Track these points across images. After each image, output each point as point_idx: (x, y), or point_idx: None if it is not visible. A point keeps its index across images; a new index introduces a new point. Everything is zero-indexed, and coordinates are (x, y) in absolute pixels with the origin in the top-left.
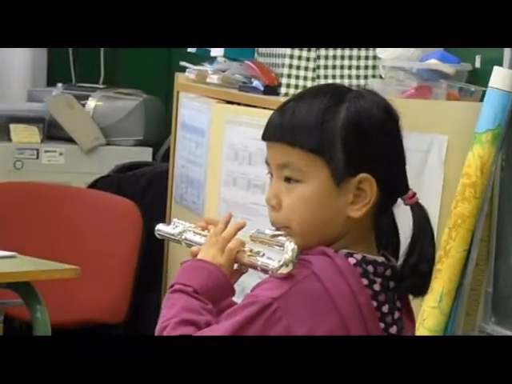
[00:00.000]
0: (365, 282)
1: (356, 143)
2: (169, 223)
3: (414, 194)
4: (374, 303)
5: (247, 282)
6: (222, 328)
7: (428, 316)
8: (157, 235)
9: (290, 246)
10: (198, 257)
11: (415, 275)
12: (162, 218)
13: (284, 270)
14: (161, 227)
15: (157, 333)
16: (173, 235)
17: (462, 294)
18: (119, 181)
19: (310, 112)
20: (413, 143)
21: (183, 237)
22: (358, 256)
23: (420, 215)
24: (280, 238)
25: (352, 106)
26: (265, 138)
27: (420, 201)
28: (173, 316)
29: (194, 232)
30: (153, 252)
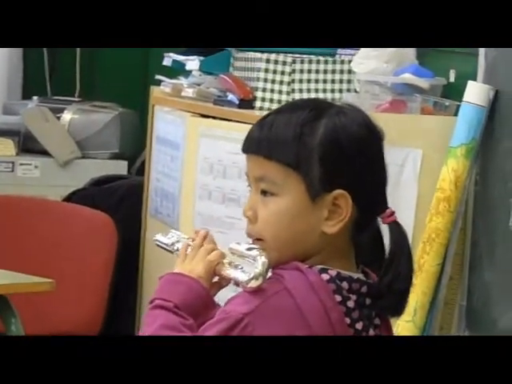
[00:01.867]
0: (338, 298)
1: (333, 160)
2: (167, 234)
3: (393, 213)
4: (348, 320)
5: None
6: None
7: (402, 330)
8: (156, 244)
9: (261, 260)
10: (176, 270)
11: (390, 294)
12: (137, 231)
13: (254, 284)
14: (158, 237)
15: None
16: (166, 245)
17: (435, 307)
18: (94, 194)
19: (287, 126)
20: (387, 157)
21: (175, 247)
22: (333, 272)
23: (397, 234)
24: (253, 251)
25: (331, 122)
26: (244, 150)
27: (397, 218)
28: (152, 334)
29: (187, 243)
30: (128, 265)
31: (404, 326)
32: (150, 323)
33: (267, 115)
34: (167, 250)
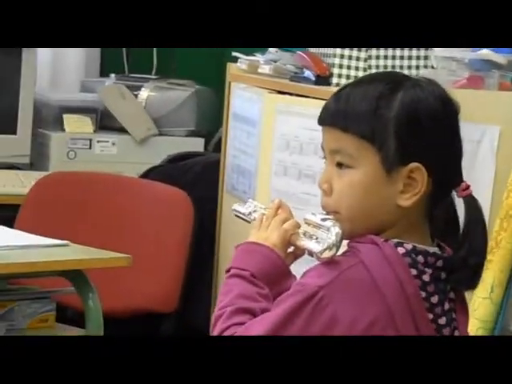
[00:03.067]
0: (413, 271)
1: (409, 132)
2: (244, 204)
3: (468, 187)
4: (423, 294)
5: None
6: (270, 317)
7: (479, 306)
8: (234, 214)
9: (335, 231)
10: (250, 239)
11: (465, 268)
12: (214, 207)
13: (327, 254)
14: (235, 207)
15: (213, 321)
16: (243, 214)
17: None
18: (171, 171)
19: (363, 98)
20: (464, 133)
21: (252, 217)
22: (408, 246)
23: (473, 208)
24: (327, 222)
25: (407, 95)
26: (320, 122)
27: (472, 191)
28: (228, 304)
29: (263, 213)
30: (204, 242)
31: (481, 302)
32: (227, 292)
33: (343, 87)
34: (244, 220)
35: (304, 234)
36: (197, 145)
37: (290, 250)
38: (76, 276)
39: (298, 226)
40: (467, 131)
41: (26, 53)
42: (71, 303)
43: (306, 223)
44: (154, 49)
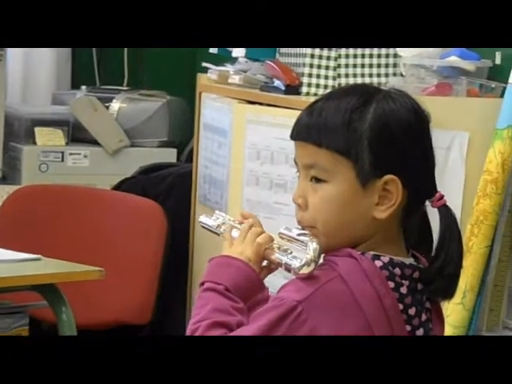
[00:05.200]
0: (391, 284)
1: (382, 144)
2: (212, 215)
3: (442, 197)
4: (400, 306)
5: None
6: (249, 331)
7: (452, 312)
8: (200, 226)
9: (312, 246)
10: (224, 253)
11: (441, 278)
12: (187, 218)
13: (305, 270)
14: (202, 219)
15: (188, 334)
16: (212, 227)
17: (485, 290)
18: (143, 182)
19: (337, 112)
20: (434, 140)
21: (221, 229)
22: (385, 258)
23: (447, 218)
24: (304, 237)
25: (380, 107)
26: (293, 137)
27: (446, 202)
28: (203, 318)
29: (232, 226)
30: (178, 252)
31: (453, 308)
32: (201, 306)
33: (316, 101)
34: (213, 232)
35: (279, 248)
36: (169, 155)
37: (264, 264)
38: (48, 290)
39: (271, 239)
40: (437, 138)
41: None
42: (45, 317)
43: (281, 237)
44: (125, 60)
